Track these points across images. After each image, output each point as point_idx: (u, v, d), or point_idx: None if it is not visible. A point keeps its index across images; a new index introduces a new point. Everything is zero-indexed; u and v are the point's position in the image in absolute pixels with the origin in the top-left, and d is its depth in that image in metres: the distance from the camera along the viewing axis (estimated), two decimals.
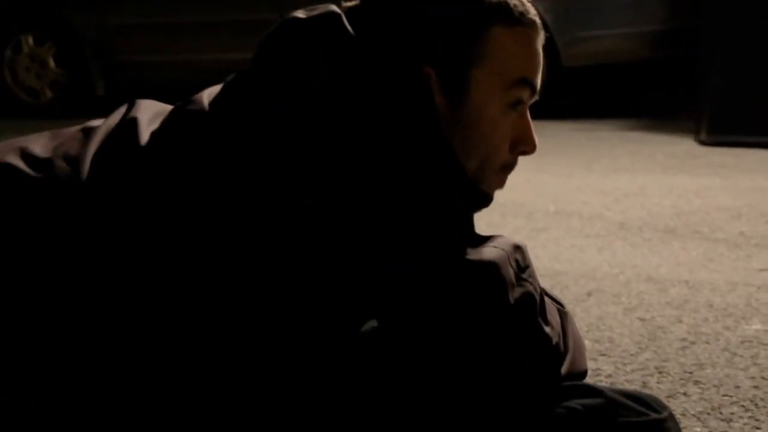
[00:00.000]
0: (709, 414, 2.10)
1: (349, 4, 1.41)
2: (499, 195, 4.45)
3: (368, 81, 1.31)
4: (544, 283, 2.98)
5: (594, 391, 1.45)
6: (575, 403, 1.40)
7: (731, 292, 2.93)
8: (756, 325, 2.65)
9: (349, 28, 1.34)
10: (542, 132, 6.40)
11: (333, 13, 1.36)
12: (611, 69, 6.89)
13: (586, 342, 2.53)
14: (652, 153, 5.25)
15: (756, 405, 2.14)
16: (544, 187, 4.35)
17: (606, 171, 4.79)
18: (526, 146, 1.43)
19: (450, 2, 1.36)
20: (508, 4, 1.38)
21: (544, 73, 5.80)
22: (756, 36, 5.35)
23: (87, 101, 6.91)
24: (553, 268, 3.17)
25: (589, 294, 2.94)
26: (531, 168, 4.87)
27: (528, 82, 1.40)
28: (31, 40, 7.24)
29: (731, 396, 2.19)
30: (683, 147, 5.39)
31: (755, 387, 2.24)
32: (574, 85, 7.15)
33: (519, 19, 1.39)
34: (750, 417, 2.09)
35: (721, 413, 2.11)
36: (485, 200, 1.44)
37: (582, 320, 2.68)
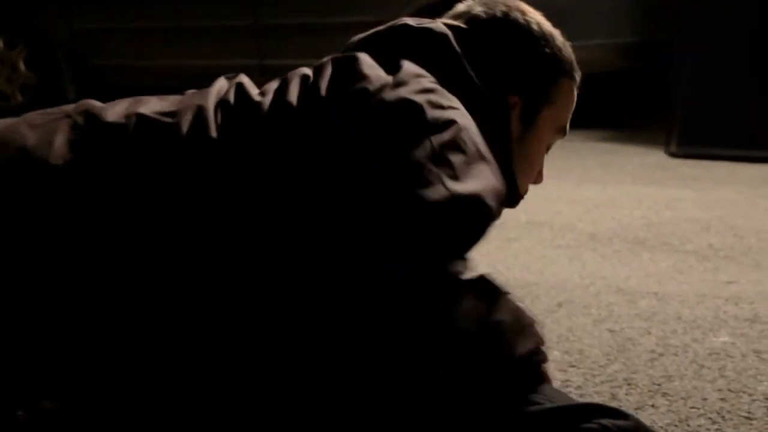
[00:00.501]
0: (676, 426, 2.11)
1: (450, 22, 1.60)
2: None
3: (463, 92, 1.46)
4: (514, 293, 2.99)
5: (623, 414, 1.53)
6: (607, 421, 1.45)
7: (699, 304, 2.94)
8: (723, 338, 2.67)
9: (455, 44, 1.53)
10: None
11: (442, 27, 1.56)
12: (583, 80, 6.91)
13: (556, 353, 2.53)
14: (623, 164, 5.28)
15: (723, 417, 2.15)
16: None
17: (577, 181, 4.81)
18: (540, 178, 1.66)
19: (539, 48, 1.63)
20: (572, 61, 1.70)
21: None
22: (727, 49, 5.39)
23: (58, 105, 6.86)
24: (524, 279, 3.18)
25: (559, 305, 2.94)
26: None
27: (565, 130, 1.68)
28: (1, 44, 7.19)
29: (698, 408, 2.20)
30: (654, 158, 5.43)
31: (722, 399, 2.25)
32: None
33: (575, 76, 1.70)
34: (717, 429, 2.10)
35: (688, 425, 2.11)
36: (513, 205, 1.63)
37: (552, 331, 2.68)
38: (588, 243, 3.66)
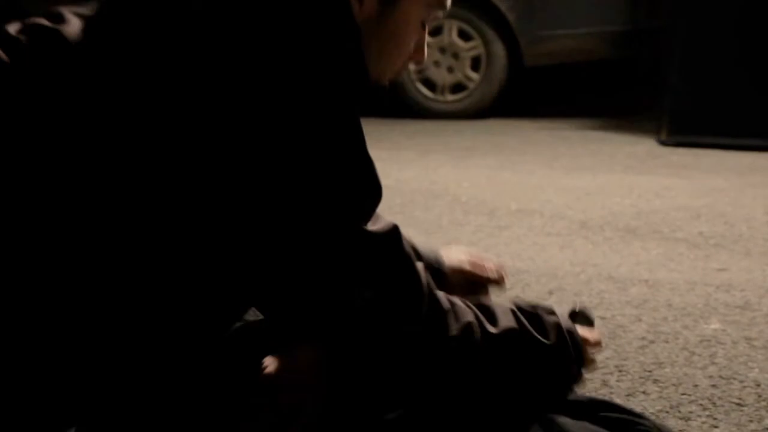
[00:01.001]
0: (667, 413, 2.11)
1: None
2: (460, 192, 4.40)
3: None
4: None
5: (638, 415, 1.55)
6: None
7: (690, 291, 2.94)
8: (714, 325, 2.67)
9: None
10: (504, 130, 6.44)
11: None
12: (573, 68, 6.92)
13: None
14: (613, 152, 5.28)
15: (714, 404, 2.15)
16: (506, 185, 4.36)
17: (567, 169, 4.81)
18: (420, 56, 1.47)
19: None
20: None
21: (503, 71, 5.78)
22: (717, 38, 5.39)
23: None
24: (515, 266, 3.17)
25: (550, 293, 2.94)
26: (492, 165, 4.89)
27: (443, 5, 1.45)
28: None
29: (689, 395, 2.20)
30: (644, 147, 5.43)
31: (713, 386, 2.25)
32: (536, 84, 7.17)
33: None
34: (708, 416, 2.10)
35: (679, 411, 2.11)
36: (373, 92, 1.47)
37: None
38: (579, 231, 3.66)
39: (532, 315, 1.44)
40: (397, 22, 1.40)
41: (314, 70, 1.26)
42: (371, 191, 1.35)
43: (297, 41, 1.26)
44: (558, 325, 1.45)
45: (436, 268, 1.65)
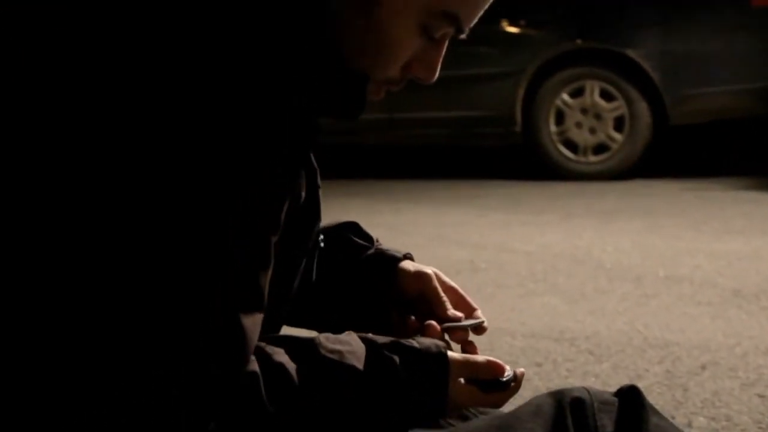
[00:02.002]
0: None
1: None
2: (605, 258, 4.25)
3: None
4: (654, 354, 2.81)
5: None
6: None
7: None
8: None
9: None
10: (649, 192, 6.26)
11: None
12: (722, 125, 6.69)
13: (701, 419, 2.36)
14: (767, 214, 5.03)
15: None
16: (653, 250, 4.19)
17: (718, 233, 4.59)
18: (425, 72, 1.22)
19: None
20: None
21: (648, 131, 5.63)
22: None
23: None
24: (664, 338, 3.00)
25: (703, 367, 2.76)
26: (638, 229, 4.71)
27: (454, 20, 1.20)
28: None
29: None
30: None
31: None
32: (682, 143, 6.95)
33: None
34: None
35: None
36: (359, 96, 1.20)
37: (696, 395, 2.51)
38: (732, 300, 3.46)
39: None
40: (384, 16, 1.16)
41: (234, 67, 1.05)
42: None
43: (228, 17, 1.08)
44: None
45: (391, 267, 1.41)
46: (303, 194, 1.15)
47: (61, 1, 1.10)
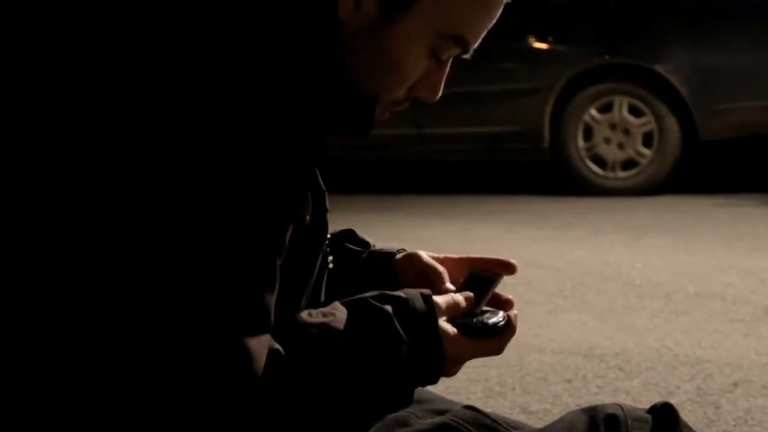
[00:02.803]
0: None
1: None
2: (634, 274, 4.22)
3: None
4: (685, 371, 2.79)
5: None
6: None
7: None
8: None
9: None
10: (678, 207, 6.21)
11: None
12: (752, 141, 6.64)
13: None
14: None
15: None
16: (683, 267, 4.15)
17: (749, 250, 4.54)
18: (429, 92, 1.24)
19: None
20: None
21: (677, 146, 5.58)
22: None
23: None
24: (695, 356, 2.97)
25: (735, 384, 2.73)
26: (667, 245, 4.68)
27: (462, 42, 1.21)
28: None
29: None
30: None
31: None
32: (712, 159, 6.90)
33: None
34: None
35: None
36: (368, 116, 1.21)
37: (728, 413, 2.49)
38: (764, 317, 3.42)
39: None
40: (396, 39, 1.18)
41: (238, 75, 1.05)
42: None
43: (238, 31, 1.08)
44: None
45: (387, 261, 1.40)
46: (308, 217, 1.14)
47: (61, 1, 1.10)
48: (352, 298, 1.17)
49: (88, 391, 1.02)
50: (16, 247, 1.04)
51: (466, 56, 1.24)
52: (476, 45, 1.23)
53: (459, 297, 1.24)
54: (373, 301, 1.15)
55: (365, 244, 1.42)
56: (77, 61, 1.06)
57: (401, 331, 1.14)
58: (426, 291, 1.19)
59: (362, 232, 1.43)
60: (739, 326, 3.32)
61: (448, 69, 1.24)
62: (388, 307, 1.15)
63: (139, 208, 1.01)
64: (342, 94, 1.16)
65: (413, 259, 1.39)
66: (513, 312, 1.27)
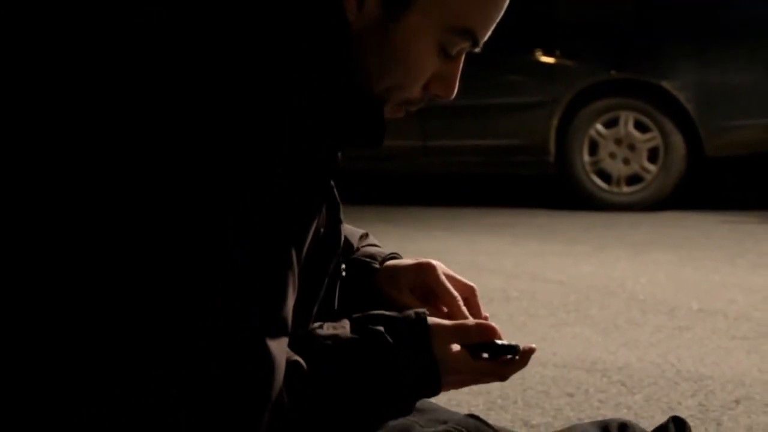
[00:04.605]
0: None
1: None
2: (638, 290, 4.21)
3: None
4: (687, 387, 2.78)
5: None
6: None
7: None
8: None
9: None
10: (683, 223, 6.20)
11: None
12: (757, 158, 6.64)
13: None
14: None
15: None
16: (686, 283, 4.15)
17: (753, 267, 4.54)
18: (444, 89, 1.23)
19: None
20: None
21: (682, 162, 5.58)
22: None
23: None
24: (698, 372, 2.97)
25: (737, 401, 2.73)
26: (671, 261, 4.68)
27: (470, 35, 1.20)
28: None
29: None
30: None
31: None
32: (717, 175, 6.91)
33: None
34: None
35: None
36: (378, 122, 1.20)
37: (730, 430, 2.49)
38: (767, 334, 3.42)
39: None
40: (402, 36, 1.17)
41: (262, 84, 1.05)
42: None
43: (258, 38, 1.07)
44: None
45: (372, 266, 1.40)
46: (323, 229, 1.15)
47: (62, 1, 1.11)
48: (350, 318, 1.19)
49: (89, 391, 1.02)
50: (18, 247, 1.05)
51: (477, 50, 1.22)
52: (486, 38, 1.21)
53: (470, 322, 1.25)
54: (370, 324, 1.18)
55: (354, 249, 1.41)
56: (79, 63, 1.06)
57: (388, 337, 1.16)
58: (421, 311, 1.21)
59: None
60: (742, 343, 3.32)
61: (461, 66, 1.23)
62: (380, 328, 1.17)
63: (138, 207, 1.02)
64: (352, 100, 1.15)
65: (425, 268, 1.38)
66: (531, 345, 1.26)
